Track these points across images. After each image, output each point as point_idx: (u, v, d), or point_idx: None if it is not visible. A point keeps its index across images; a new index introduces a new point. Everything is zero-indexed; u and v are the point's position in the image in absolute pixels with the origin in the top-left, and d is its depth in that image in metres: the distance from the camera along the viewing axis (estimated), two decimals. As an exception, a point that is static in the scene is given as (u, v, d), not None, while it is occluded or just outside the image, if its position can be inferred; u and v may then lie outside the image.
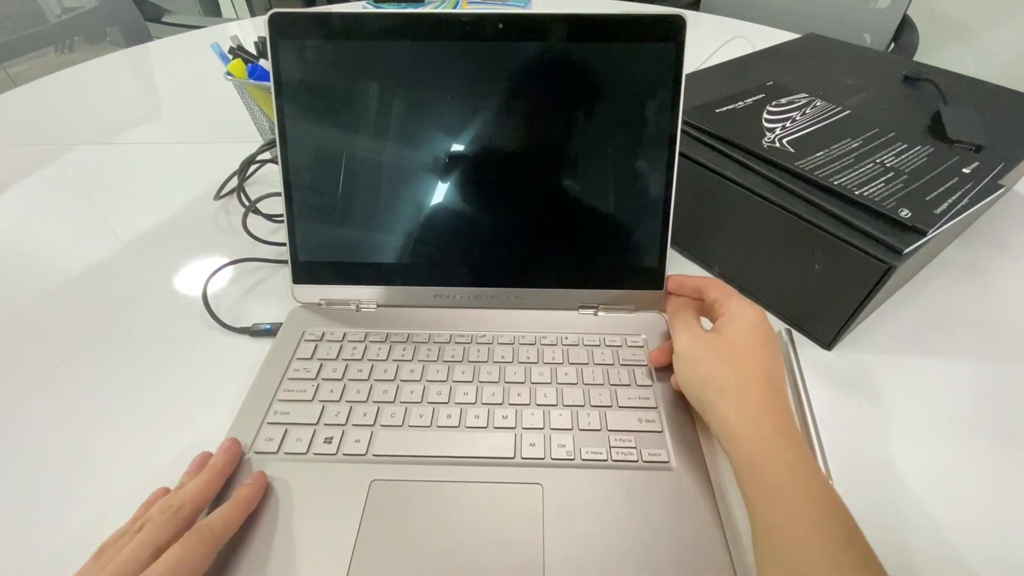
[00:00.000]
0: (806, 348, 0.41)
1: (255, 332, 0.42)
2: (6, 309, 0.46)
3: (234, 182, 0.55)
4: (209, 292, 0.45)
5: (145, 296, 0.46)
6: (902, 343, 0.42)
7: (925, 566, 0.29)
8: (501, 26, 0.36)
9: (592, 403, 0.36)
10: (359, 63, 0.37)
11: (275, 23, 0.36)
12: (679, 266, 0.48)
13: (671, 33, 0.36)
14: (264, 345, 0.40)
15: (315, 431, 0.34)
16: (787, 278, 0.42)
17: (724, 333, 0.32)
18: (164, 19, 1.45)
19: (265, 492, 0.31)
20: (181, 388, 0.39)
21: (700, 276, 0.38)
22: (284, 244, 0.51)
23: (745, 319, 0.32)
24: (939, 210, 0.36)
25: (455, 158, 0.39)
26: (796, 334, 0.42)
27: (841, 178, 0.39)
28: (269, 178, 0.58)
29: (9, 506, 0.33)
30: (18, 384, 0.39)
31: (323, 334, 0.40)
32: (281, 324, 0.41)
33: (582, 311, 0.42)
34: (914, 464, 0.34)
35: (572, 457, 0.33)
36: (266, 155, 0.56)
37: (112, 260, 0.50)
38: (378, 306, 0.42)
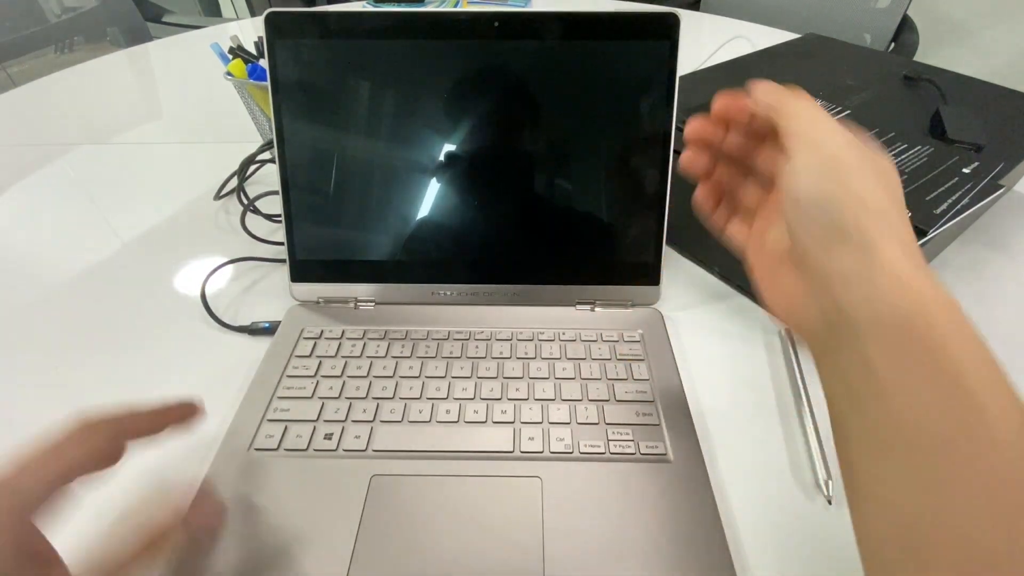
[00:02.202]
0: (807, 348, 0.41)
1: (254, 331, 0.42)
2: (6, 309, 0.46)
3: (234, 182, 0.56)
4: (207, 292, 0.45)
5: (145, 296, 0.47)
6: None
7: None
8: (496, 25, 0.36)
9: (590, 397, 0.36)
10: (356, 62, 0.38)
11: (271, 23, 0.37)
12: (678, 266, 0.48)
13: (665, 31, 0.36)
14: (263, 343, 0.41)
15: (315, 427, 0.34)
16: (787, 278, 0.42)
17: (872, 159, 0.21)
18: (164, 19, 1.45)
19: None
20: (180, 387, 0.39)
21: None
22: (284, 243, 0.50)
23: (886, 159, 0.22)
24: (939, 210, 0.36)
25: (451, 156, 0.39)
26: (796, 334, 0.42)
27: (841, 178, 0.39)
28: (269, 178, 0.58)
29: None
30: (18, 383, 0.40)
31: (321, 332, 0.40)
32: (279, 322, 0.42)
33: (579, 307, 0.42)
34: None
35: (570, 450, 0.33)
36: (266, 155, 0.57)
37: (112, 260, 0.51)
38: (376, 304, 0.42)
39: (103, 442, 0.23)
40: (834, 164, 0.20)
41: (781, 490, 0.32)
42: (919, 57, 0.91)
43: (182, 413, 0.27)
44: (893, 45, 1.00)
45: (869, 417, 0.17)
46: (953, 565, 0.14)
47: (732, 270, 0.46)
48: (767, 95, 0.23)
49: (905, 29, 1.00)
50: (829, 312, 0.19)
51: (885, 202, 0.19)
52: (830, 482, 0.32)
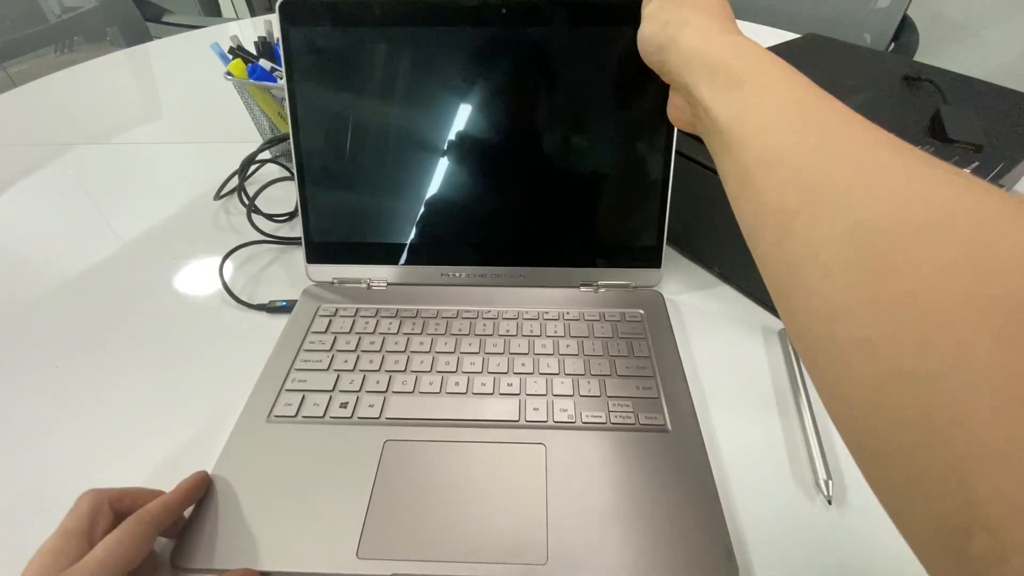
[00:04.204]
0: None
1: (271, 309, 0.45)
2: (8, 308, 0.47)
3: (234, 182, 0.56)
4: (218, 282, 0.47)
5: (156, 287, 0.49)
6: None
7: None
8: (504, 11, 0.39)
9: (592, 372, 0.39)
10: (366, 49, 0.40)
11: (285, 11, 0.39)
12: (678, 266, 0.49)
13: None
14: (279, 322, 0.43)
15: (331, 397, 0.37)
16: (787, 278, 0.42)
17: None
18: (164, 19, 1.46)
19: (207, 486, 0.33)
20: (202, 364, 0.42)
21: None
22: (286, 240, 0.51)
23: None
24: (939, 210, 0.36)
25: (461, 142, 0.42)
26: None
27: (841, 178, 0.39)
28: (269, 178, 0.58)
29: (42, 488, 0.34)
30: (29, 381, 0.41)
31: (336, 310, 0.43)
32: (296, 301, 0.45)
33: (583, 288, 0.45)
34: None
35: (573, 420, 0.36)
36: (266, 155, 0.57)
37: (114, 258, 0.53)
38: (388, 284, 0.45)
39: (150, 542, 0.28)
40: (650, 19, 0.32)
41: (780, 489, 0.33)
42: (919, 57, 0.92)
43: (198, 489, 0.32)
44: (893, 45, 1.00)
45: (714, 138, 0.27)
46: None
47: (733, 271, 0.46)
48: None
49: (905, 29, 1.01)
50: (685, 93, 0.30)
51: (685, 12, 0.30)
52: (830, 482, 0.32)
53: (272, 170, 0.59)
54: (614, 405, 0.36)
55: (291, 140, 0.42)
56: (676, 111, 0.35)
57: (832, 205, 0.19)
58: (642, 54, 0.33)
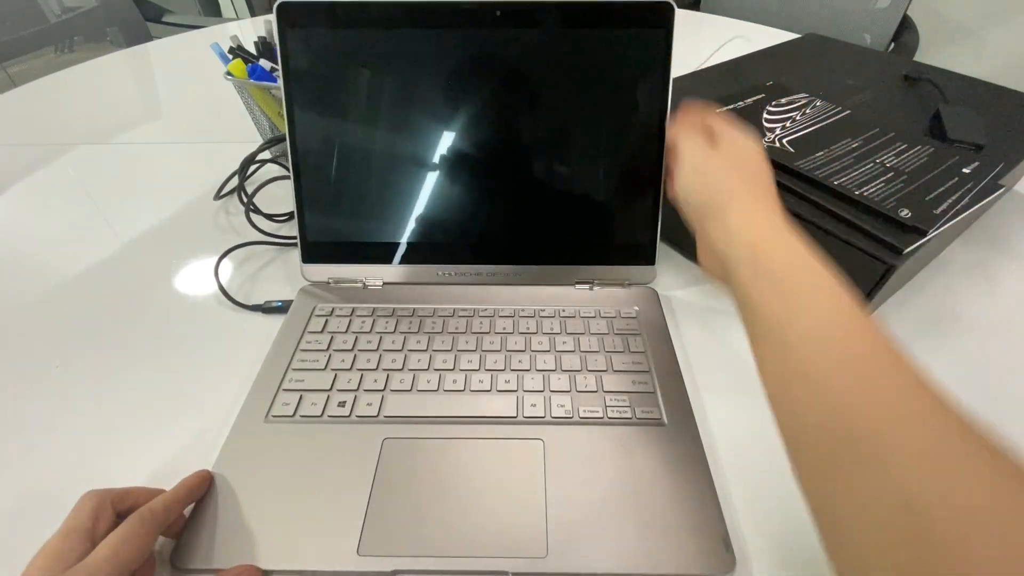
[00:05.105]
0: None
1: (267, 309, 0.45)
2: (7, 308, 0.47)
3: (234, 182, 0.56)
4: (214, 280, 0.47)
5: (153, 288, 0.49)
6: (903, 342, 0.42)
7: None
8: (499, 13, 0.39)
9: (589, 368, 0.39)
10: (363, 50, 0.41)
11: (282, 12, 0.40)
12: (678, 265, 0.49)
13: (660, 19, 0.39)
14: (276, 322, 0.43)
15: (329, 396, 0.38)
16: (787, 278, 0.42)
17: (732, 153, 0.34)
18: (164, 19, 1.46)
19: (210, 484, 0.33)
20: (199, 366, 0.42)
21: (704, 105, 0.39)
22: (286, 240, 0.51)
23: (748, 144, 0.34)
24: (939, 210, 0.37)
25: (456, 142, 0.42)
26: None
27: (841, 178, 0.39)
28: (269, 178, 0.58)
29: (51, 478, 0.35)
30: (21, 383, 0.41)
31: (333, 309, 0.43)
32: (292, 301, 0.45)
33: (578, 286, 0.45)
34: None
35: (571, 415, 0.36)
36: (266, 155, 0.57)
37: (115, 258, 0.53)
38: (384, 283, 0.46)
39: (152, 540, 0.28)
40: (695, 174, 0.34)
41: (780, 487, 0.33)
42: (919, 57, 0.92)
43: (200, 486, 0.32)
44: (893, 45, 1.00)
45: (749, 317, 0.27)
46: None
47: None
48: (670, 135, 0.38)
49: (905, 29, 1.01)
50: (720, 261, 0.30)
51: (735, 184, 0.32)
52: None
53: (272, 170, 0.59)
54: (610, 400, 0.37)
55: (287, 140, 0.42)
56: (708, 260, 0.33)
57: (877, 464, 0.18)
58: (675, 201, 0.34)
